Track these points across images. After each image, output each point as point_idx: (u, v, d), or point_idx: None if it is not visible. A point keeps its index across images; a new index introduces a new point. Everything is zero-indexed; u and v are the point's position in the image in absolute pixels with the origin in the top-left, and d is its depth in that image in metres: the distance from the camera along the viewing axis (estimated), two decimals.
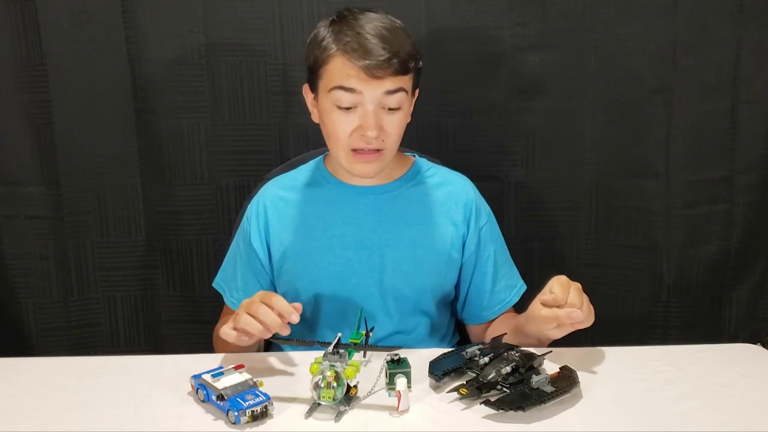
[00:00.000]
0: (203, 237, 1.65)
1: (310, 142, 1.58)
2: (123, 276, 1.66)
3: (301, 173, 1.33)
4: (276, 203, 1.29)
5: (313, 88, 1.21)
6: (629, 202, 1.63)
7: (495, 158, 1.63)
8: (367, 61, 1.11)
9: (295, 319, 1.03)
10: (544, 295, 1.09)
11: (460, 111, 1.60)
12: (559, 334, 1.10)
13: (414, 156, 1.35)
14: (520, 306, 1.36)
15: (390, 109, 1.16)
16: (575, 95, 1.59)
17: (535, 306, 1.10)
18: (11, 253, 1.62)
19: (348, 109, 1.15)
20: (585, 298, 1.09)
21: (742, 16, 1.53)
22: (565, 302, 1.06)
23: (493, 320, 1.33)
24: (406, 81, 1.16)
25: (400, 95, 1.16)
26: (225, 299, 1.32)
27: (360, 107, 1.15)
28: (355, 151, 1.18)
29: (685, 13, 1.53)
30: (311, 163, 1.34)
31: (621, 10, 1.54)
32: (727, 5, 1.53)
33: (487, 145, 1.62)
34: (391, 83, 1.14)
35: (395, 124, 1.18)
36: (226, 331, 1.08)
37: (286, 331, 1.04)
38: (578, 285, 1.09)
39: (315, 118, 1.24)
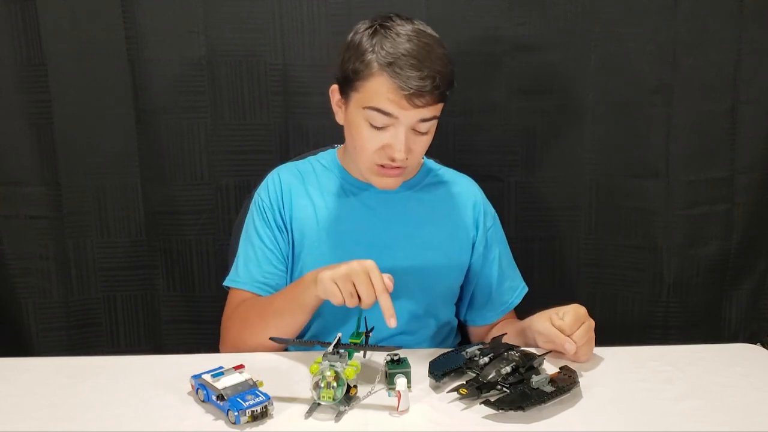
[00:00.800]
0: (203, 237, 1.65)
1: (310, 142, 1.58)
2: (123, 276, 1.66)
3: (313, 164, 1.33)
4: (290, 189, 1.29)
5: (344, 94, 1.19)
6: (629, 202, 1.63)
7: (495, 158, 1.63)
8: (411, 90, 1.10)
9: (393, 323, 1.02)
10: (556, 316, 1.10)
11: (460, 111, 1.60)
12: (549, 347, 1.12)
13: (423, 157, 1.34)
14: (521, 307, 1.36)
15: (420, 132, 1.16)
16: (575, 95, 1.59)
17: (542, 319, 1.12)
18: (11, 253, 1.62)
19: (380, 128, 1.15)
20: (591, 337, 1.11)
21: (742, 16, 1.53)
22: (570, 335, 1.08)
23: (496, 323, 1.34)
24: (440, 108, 1.16)
25: (433, 122, 1.16)
26: (247, 287, 1.25)
27: (392, 128, 1.14)
28: (379, 165, 1.18)
29: (685, 13, 1.53)
30: (324, 156, 1.34)
31: (621, 10, 1.54)
32: (727, 5, 1.53)
33: (487, 145, 1.62)
34: (427, 111, 1.14)
35: (422, 144, 1.18)
36: (332, 291, 1.04)
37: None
38: (591, 323, 1.11)
39: (339, 120, 1.23)
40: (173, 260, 1.66)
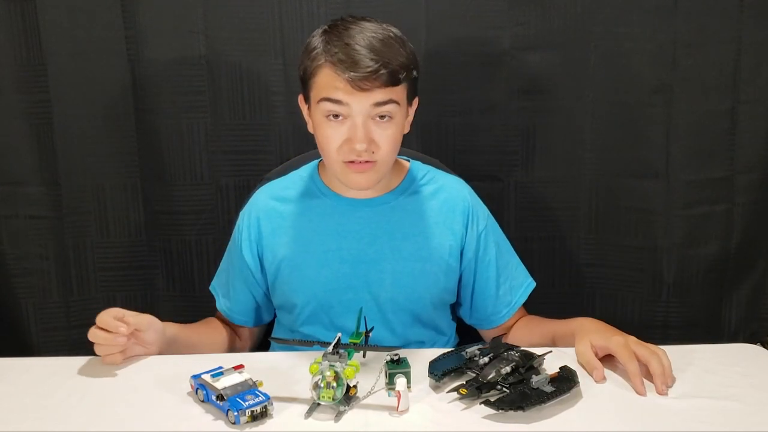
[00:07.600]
0: (203, 237, 1.65)
1: (310, 142, 1.56)
2: (123, 276, 1.66)
3: (294, 182, 1.30)
4: (269, 214, 1.27)
5: (306, 99, 1.19)
6: (629, 202, 1.63)
7: (495, 158, 1.63)
8: (353, 73, 1.08)
9: (124, 333, 1.07)
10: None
11: (460, 111, 1.60)
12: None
13: (408, 161, 1.32)
14: (530, 302, 1.34)
15: (381, 120, 1.14)
16: (575, 95, 1.59)
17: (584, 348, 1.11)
18: (11, 253, 1.62)
19: (337, 118, 1.13)
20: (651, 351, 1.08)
21: (742, 15, 1.53)
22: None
23: (511, 324, 1.32)
24: (397, 92, 1.13)
25: (391, 107, 1.13)
26: (217, 303, 1.34)
27: (349, 119, 1.13)
28: (347, 162, 1.16)
29: (685, 13, 1.52)
30: (305, 171, 1.31)
31: (621, 10, 1.54)
32: (727, 5, 1.53)
33: (487, 145, 1.62)
34: (380, 95, 1.11)
35: (387, 136, 1.15)
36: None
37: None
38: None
39: (311, 129, 1.22)
40: (173, 260, 1.66)
